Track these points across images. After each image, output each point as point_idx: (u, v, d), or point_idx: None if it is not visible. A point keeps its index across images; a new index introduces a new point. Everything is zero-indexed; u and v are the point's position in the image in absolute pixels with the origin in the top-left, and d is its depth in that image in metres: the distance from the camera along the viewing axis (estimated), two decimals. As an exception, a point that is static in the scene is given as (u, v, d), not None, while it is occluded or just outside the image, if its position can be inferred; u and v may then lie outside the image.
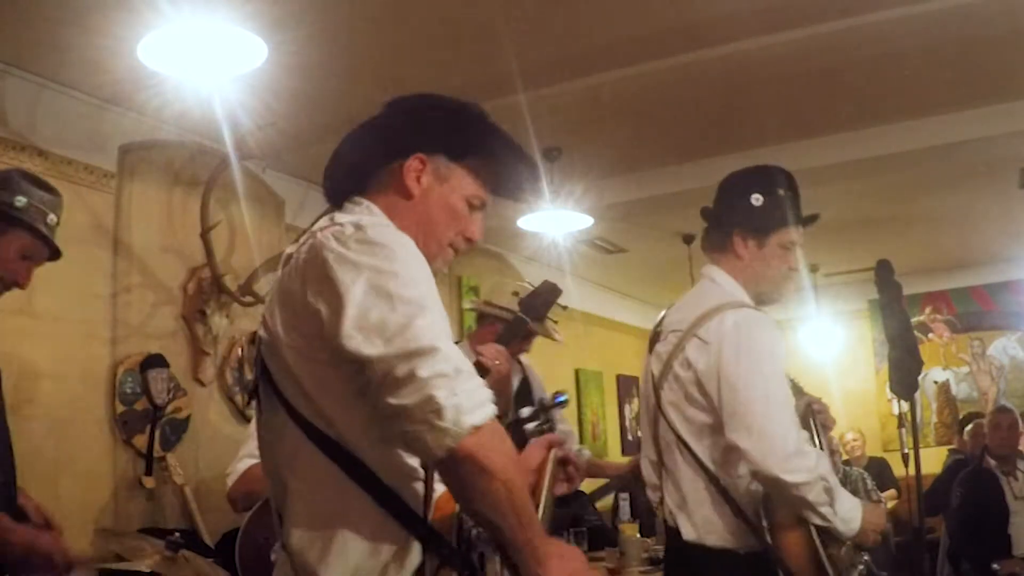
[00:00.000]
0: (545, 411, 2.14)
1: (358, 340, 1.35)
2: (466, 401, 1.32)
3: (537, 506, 1.69)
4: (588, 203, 5.24)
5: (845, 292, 8.72)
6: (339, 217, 1.52)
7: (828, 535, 2.25)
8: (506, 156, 1.66)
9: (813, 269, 8.14)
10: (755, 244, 2.51)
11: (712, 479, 2.34)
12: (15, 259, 2.40)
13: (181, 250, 4.45)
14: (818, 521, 2.22)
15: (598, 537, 4.23)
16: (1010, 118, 4.68)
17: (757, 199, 2.50)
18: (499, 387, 2.89)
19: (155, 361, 4.17)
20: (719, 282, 2.53)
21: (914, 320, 8.03)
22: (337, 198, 1.66)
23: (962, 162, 5.36)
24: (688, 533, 2.39)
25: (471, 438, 1.31)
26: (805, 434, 2.32)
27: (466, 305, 3.22)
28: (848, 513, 2.25)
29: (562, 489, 1.88)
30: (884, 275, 3.79)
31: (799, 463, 2.18)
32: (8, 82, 3.66)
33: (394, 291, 1.37)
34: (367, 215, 1.56)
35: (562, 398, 2.14)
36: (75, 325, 3.92)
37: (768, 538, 2.28)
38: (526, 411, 2.22)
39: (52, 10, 3.21)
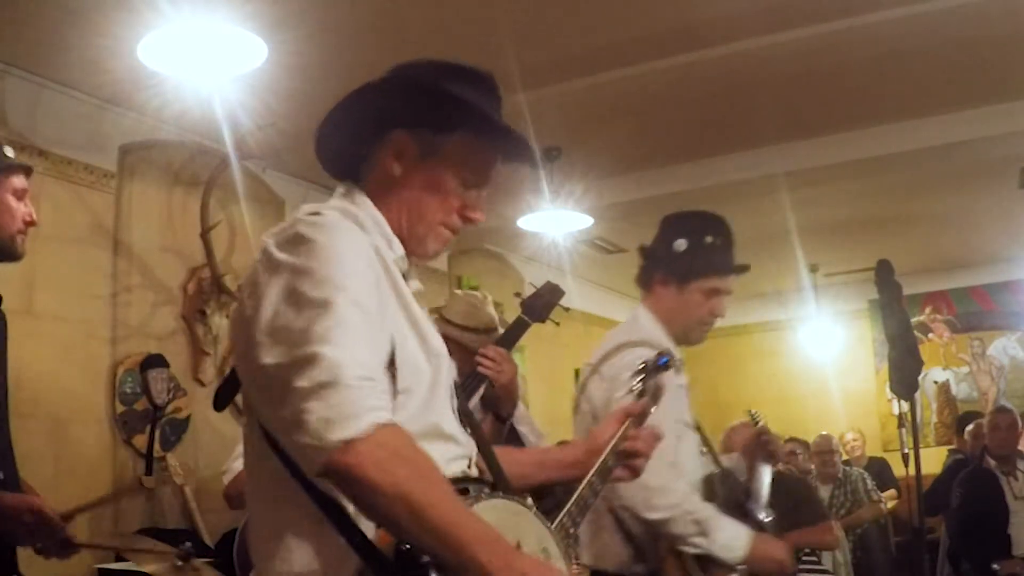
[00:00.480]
0: (644, 375, 1.89)
1: (263, 347, 1.28)
2: (336, 414, 1.19)
3: (574, 490, 1.63)
4: (588, 203, 5.24)
5: (845, 292, 8.71)
6: (303, 209, 1.44)
7: (711, 561, 2.31)
8: (493, 132, 1.53)
9: (813, 269, 8.16)
10: (675, 288, 2.52)
11: (609, 508, 2.37)
12: (15, 204, 2.33)
13: (181, 250, 4.46)
14: (691, 550, 2.29)
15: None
16: (1010, 118, 4.69)
17: (680, 244, 2.52)
18: (505, 390, 2.88)
19: (155, 361, 4.18)
20: (638, 318, 2.55)
21: (914, 320, 8.01)
22: (335, 174, 1.59)
23: (962, 162, 5.36)
24: (587, 559, 2.45)
25: (343, 453, 1.19)
26: (675, 471, 2.34)
27: None
28: (730, 541, 2.31)
29: (622, 476, 1.78)
30: (884, 275, 3.79)
31: (659, 501, 2.25)
32: (8, 82, 3.67)
33: (303, 292, 1.28)
34: (342, 202, 1.50)
35: (665, 360, 1.92)
36: (75, 325, 3.92)
37: (656, 563, 2.35)
38: (626, 375, 2.03)
39: (52, 10, 3.22)
